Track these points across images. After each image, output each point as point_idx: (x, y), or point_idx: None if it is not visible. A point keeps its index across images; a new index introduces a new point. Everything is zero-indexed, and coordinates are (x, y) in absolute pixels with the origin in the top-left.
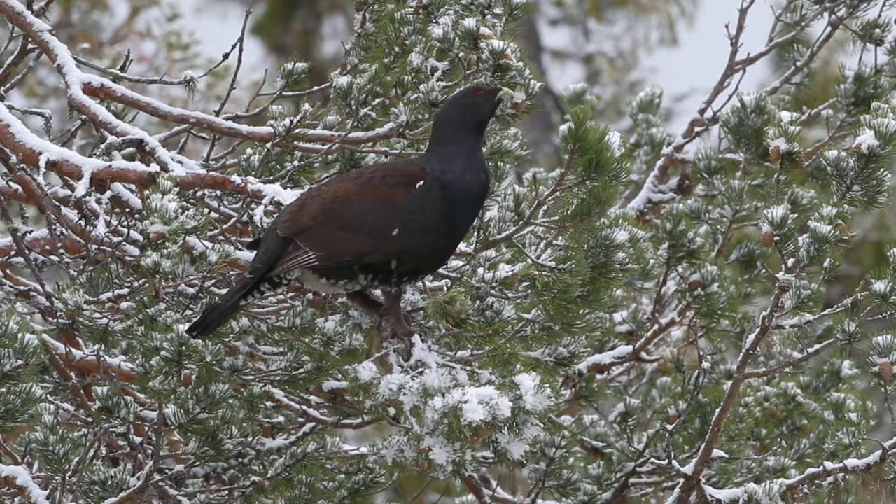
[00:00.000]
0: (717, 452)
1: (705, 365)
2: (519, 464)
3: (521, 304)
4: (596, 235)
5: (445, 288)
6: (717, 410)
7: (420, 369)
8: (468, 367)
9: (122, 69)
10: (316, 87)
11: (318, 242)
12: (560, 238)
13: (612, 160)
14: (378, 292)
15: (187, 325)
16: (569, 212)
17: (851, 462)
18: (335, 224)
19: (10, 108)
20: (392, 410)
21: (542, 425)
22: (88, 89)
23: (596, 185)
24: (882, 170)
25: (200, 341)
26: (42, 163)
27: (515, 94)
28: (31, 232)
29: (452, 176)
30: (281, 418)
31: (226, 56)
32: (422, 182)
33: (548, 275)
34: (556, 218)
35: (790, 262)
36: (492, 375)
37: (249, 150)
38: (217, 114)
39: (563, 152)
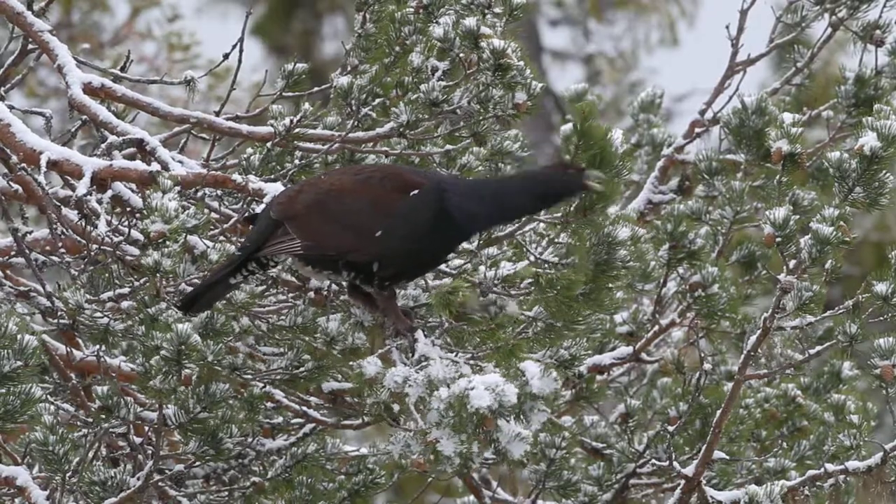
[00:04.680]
0: (717, 454)
1: (706, 366)
2: (519, 463)
3: (524, 301)
4: (598, 233)
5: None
6: (718, 412)
7: (424, 363)
8: (471, 361)
9: (123, 69)
10: (316, 88)
11: (305, 231)
12: (562, 236)
13: (615, 156)
14: (371, 291)
15: (184, 323)
16: (571, 208)
17: (852, 464)
18: (324, 216)
19: (11, 107)
20: (395, 408)
21: (549, 410)
22: (89, 89)
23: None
24: (884, 171)
25: (201, 340)
26: (43, 162)
27: (599, 175)
28: (31, 232)
29: (457, 206)
30: (281, 419)
31: (226, 56)
32: (416, 191)
33: (550, 272)
34: (559, 214)
35: (792, 263)
36: (496, 368)
37: (250, 150)
38: (217, 114)
39: (563, 151)
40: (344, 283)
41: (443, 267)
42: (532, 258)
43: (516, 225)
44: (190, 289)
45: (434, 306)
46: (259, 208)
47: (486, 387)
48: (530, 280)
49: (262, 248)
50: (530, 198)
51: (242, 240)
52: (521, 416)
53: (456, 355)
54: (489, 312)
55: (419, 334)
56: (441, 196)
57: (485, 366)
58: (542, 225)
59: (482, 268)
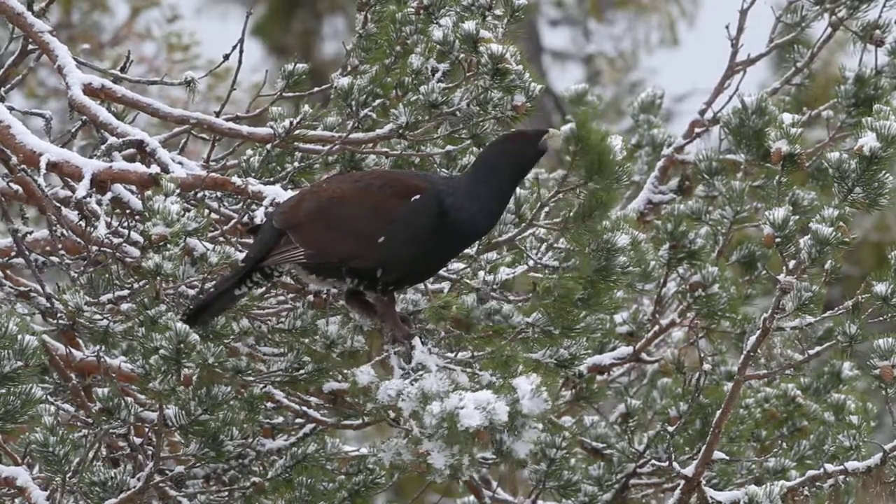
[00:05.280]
0: (717, 454)
1: (706, 366)
2: (521, 463)
3: (522, 307)
4: (597, 239)
5: (446, 290)
6: (718, 412)
7: (420, 372)
8: (469, 370)
9: (123, 70)
10: (316, 88)
11: (308, 239)
12: (561, 241)
13: (613, 162)
14: (371, 297)
15: (184, 320)
16: (571, 213)
17: (852, 464)
18: (326, 224)
19: (11, 108)
20: (392, 413)
21: (539, 428)
22: (89, 90)
23: (598, 188)
24: (884, 172)
25: (200, 340)
26: (43, 164)
27: (558, 133)
28: (31, 233)
29: (460, 209)
30: (281, 419)
31: (226, 57)
32: (417, 196)
33: (548, 278)
34: (559, 220)
35: (791, 263)
36: (493, 377)
37: (250, 152)
38: (217, 115)
39: (563, 153)
40: (344, 290)
41: (442, 272)
42: (531, 262)
43: (516, 231)
44: (191, 292)
45: (428, 318)
46: (259, 213)
47: (477, 405)
48: (528, 288)
49: (266, 259)
50: (508, 179)
51: (244, 244)
52: (513, 433)
53: (454, 358)
54: (492, 321)
55: (416, 341)
56: (441, 200)
57: (482, 375)
58: (541, 230)
59: (481, 273)
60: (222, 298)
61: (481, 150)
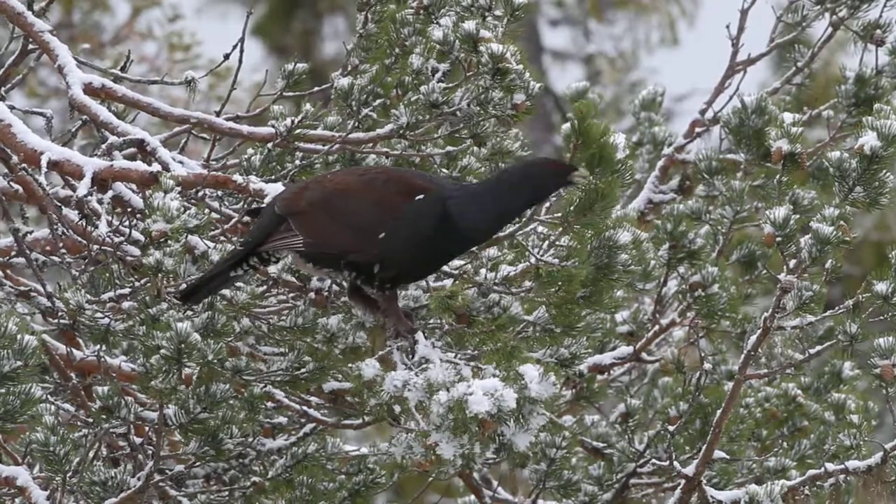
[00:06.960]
0: (718, 453)
1: (706, 366)
2: (523, 458)
3: (525, 299)
4: (599, 236)
5: (448, 285)
6: (719, 411)
7: (424, 366)
8: (472, 363)
9: (123, 70)
10: (317, 88)
11: (308, 228)
12: (563, 238)
13: (614, 154)
14: (373, 293)
15: (184, 322)
16: (572, 207)
17: (852, 464)
18: (328, 214)
19: (12, 108)
20: (396, 409)
21: (547, 414)
22: (89, 89)
23: (599, 180)
24: (884, 171)
25: (200, 339)
26: (43, 163)
27: (587, 173)
28: (32, 232)
29: (463, 214)
30: (282, 419)
31: (226, 56)
32: (422, 196)
33: (552, 265)
34: (559, 214)
35: (792, 263)
36: (496, 370)
37: (250, 151)
38: (218, 114)
39: (565, 150)
40: (345, 284)
41: (444, 267)
42: (533, 259)
43: (517, 226)
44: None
45: (433, 310)
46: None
47: (485, 392)
48: (532, 275)
49: (265, 243)
50: (523, 201)
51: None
52: (520, 420)
53: (456, 356)
54: (492, 314)
55: (419, 336)
56: (444, 203)
57: (485, 367)
58: (541, 228)
59: (483, 270)
60: (217, 279)
61: (507, 165)
